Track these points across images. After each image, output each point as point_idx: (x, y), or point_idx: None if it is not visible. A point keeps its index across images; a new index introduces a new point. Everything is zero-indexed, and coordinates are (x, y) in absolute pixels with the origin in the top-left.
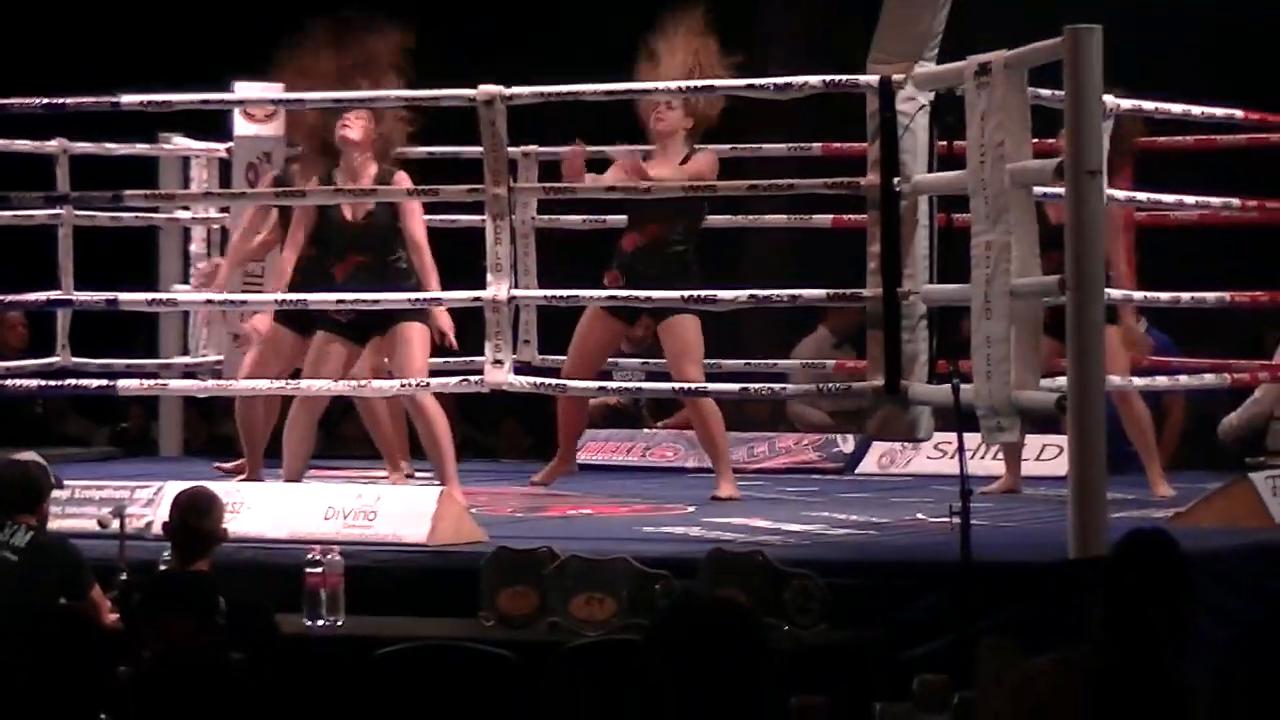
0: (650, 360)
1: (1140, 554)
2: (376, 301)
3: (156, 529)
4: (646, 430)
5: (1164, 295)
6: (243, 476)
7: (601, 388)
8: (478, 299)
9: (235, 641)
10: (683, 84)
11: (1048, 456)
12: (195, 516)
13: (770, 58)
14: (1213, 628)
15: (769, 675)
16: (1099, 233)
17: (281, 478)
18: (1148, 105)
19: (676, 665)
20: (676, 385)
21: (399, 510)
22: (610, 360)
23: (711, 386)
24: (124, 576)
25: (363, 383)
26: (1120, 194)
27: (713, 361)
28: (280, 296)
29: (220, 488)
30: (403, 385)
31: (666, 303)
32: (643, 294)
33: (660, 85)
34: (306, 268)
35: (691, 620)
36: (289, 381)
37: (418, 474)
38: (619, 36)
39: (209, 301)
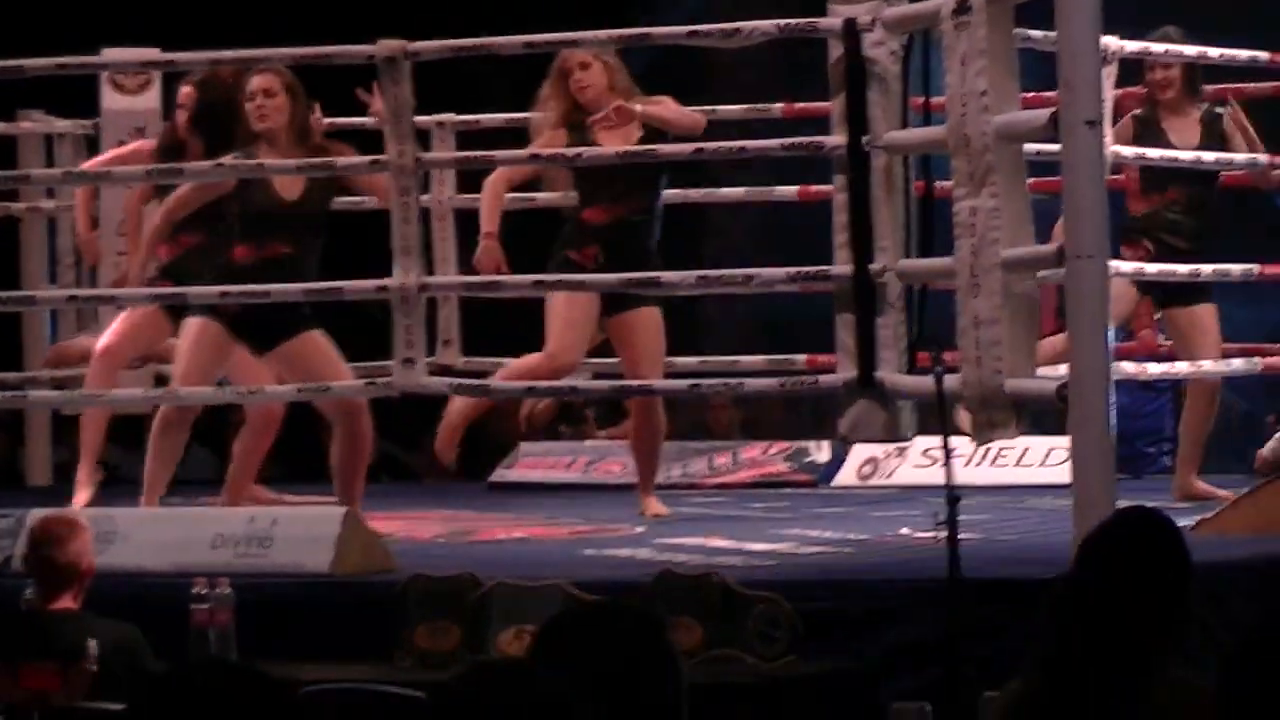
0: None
1: (1123, 539)
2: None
3: (17, 564)
4: (590, 442)
5: (1182, 268)
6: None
7: (530, 389)
8: (383, 288)
9: (108, 688)
10: (613, 33)
11: (1054, 461)
12: (51, 546)
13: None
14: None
15: (678, 695)
16: (1101, 193)
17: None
18: (1156, 48)
19: (566, 681)
20: (631, 383)
21: (298, 535)
22: None
23: (659, 384)
24: None
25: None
26: (1127, 150)
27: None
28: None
29: (91, 514)
30: (300, 390)
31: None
32: (583, 278)
33: (587, 35)
34: (195, 252)
35: (582, 627)
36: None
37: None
38: None
39: (72, 298)
